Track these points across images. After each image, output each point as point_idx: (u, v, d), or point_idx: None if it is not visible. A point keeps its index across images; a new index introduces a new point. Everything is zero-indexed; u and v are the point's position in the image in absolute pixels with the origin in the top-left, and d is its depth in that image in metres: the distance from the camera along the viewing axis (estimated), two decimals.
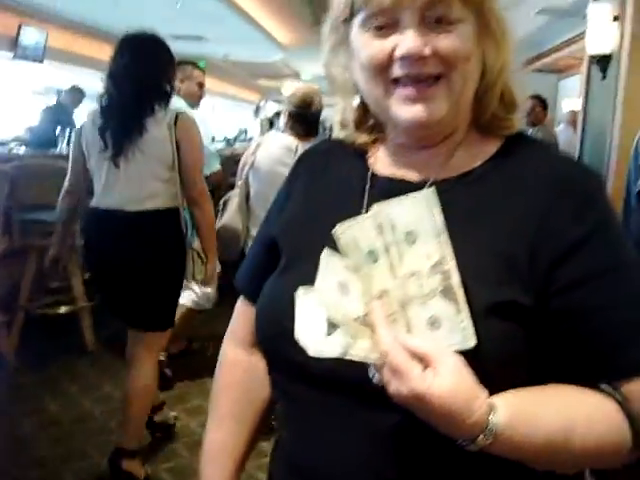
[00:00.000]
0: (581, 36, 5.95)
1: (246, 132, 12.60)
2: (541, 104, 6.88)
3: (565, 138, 7.01)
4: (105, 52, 3.46)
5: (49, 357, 4.30)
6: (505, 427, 0.75)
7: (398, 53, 0.86)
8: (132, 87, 2.74)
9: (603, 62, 3.70)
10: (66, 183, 3.07)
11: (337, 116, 1.07)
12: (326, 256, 0.82)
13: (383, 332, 0.75)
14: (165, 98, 2.84)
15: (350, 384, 0.84)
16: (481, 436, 0.74)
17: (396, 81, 0.88)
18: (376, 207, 0.80)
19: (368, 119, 1.05)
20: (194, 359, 4.37)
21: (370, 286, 0.78)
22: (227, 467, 1.11)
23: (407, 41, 0.84)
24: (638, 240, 2.73)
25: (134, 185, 2.78)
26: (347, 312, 0.78)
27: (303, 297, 0.83)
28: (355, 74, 0.95)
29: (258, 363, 1.07)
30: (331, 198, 1.01)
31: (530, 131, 6.52)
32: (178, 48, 3.82)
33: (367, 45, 0.89)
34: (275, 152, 3.35)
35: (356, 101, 1.03)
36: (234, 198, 3.55)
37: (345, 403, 0.87)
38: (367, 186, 0.98)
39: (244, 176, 3.53)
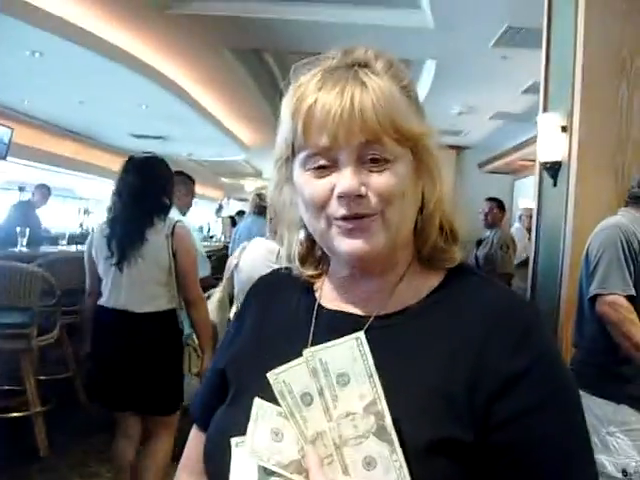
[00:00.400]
0: (533, 139, 6.19)
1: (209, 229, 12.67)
2: (498, 206, 7.07)
3: (520, 237, 7.15)
4: (70, 149, 3.51)
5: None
6: None
7: (336, 192, 0.88)
8: (135, 203, 3.08)
9: (553, 169, 3.83)
10: (87, 286, 3.35)
11: (283, 250, 1.08)
12: (257, 405, 0.82)
13: (317, 476, 0.75)
14: (164, 211, 3.17)
15: None
16: None
17: (338, 218, 0.90)
18: (308, 352, 0.81)
19: (314, 252, 1.07)
20: None
21: (305, 429, 0.79)
22: None
23: (344, 181, 0.87)
24: (591, 347, 2.77)
25: (136, 288, 3.09)
26: (281, 458, 0.78)
27: (236, 449, 0.83)
28: (300, 209, 0.97)
29: None
30: (279, 331, 1.02)
31: (487, 233, 6.66)
32: (141, 146, 3.87)
33: (308, 184, 0.91)
34: (258, 255, 3.48)
35: (301, 235, 1.05)
36: (216, 294, 3.71)
37: None
38: (313, 319, 0.99)
39: (229, 274, 3.67)
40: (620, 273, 2.63)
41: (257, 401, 0.82)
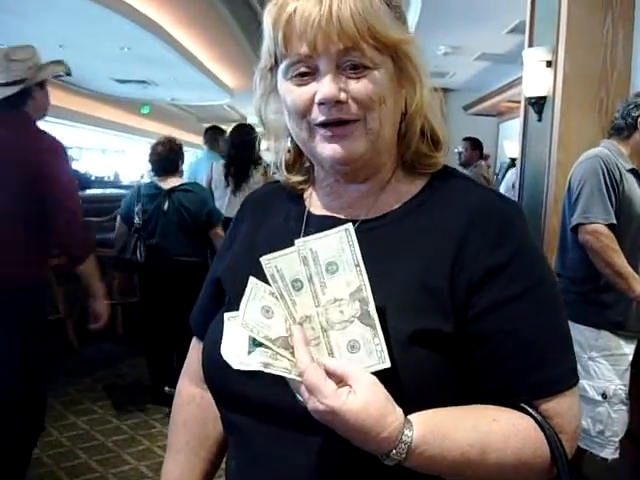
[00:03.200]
0: (518, 81, 6.18)
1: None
2: (472, 145, 7.08)
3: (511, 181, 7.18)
4: (52, 95, 3.46)
5: None
6: (419, 442, 0.79)
7: (317, 99, 0.91)
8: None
9: (538, 104, 3.85)
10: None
11: (272, 158, 1.12)
12: (252, 283, 0.86)
13: (301, 352, 0.79)
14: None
15: (284, 409, 0.87)
16: (394, 450, 0.78)
17: (319, 124, 0.93)
18: (300, 241, 0.86)
19: (302, 161, 1.10)
20: None
21: (294, 312, 0.84)
22: None
23: (324, 88, 0.89)
24: (573, 276, 2.84)
25: None
26: (269, 333, 0.82)
27: (228, 322, 0.87)
28: (285, 118, 1.00)
29: (212, 398, 1.09)
30: (271, 238, 1.05)
31: (464, 172, 6.67)
32: (124, 92, 3.84)
33: (290, 92, 0.94)
34: None
35: (288, 143, 1.08)
36: None
37: (282, 429, 0.90)
38: (303, 225, 1.04)
39: None
40: (601, 202, 2.69)
41: (252, 279, 0.86)
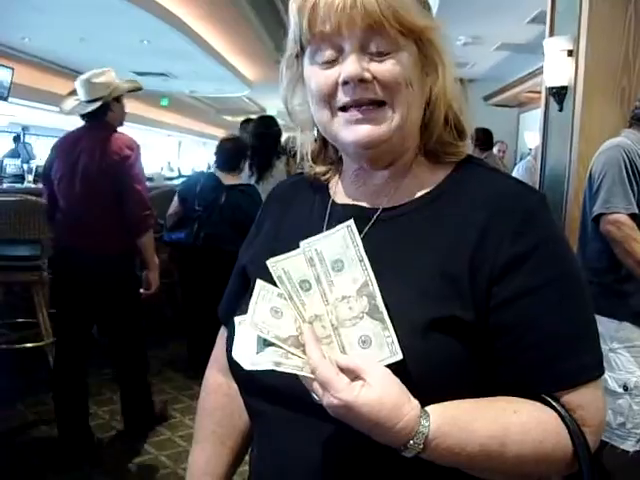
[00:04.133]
0: (539, 71, 6.13)
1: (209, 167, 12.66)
2: (483, 135, 7.04)
3: (527, 169, 7.12)
4: (71, 89, 3.48)
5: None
6: (437, 433, 0.79)
7: (340, 79, 0.91)
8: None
9: (560, 94, 3.81)
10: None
11: (298, 148, 1.12)
12: (259, 285, 0.87)
13: (312, 349, 0.79)
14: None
15: (302, 397, 0.86)
16: (412, 441, 0.78)
17: (343, 109, 0.93)
18: (305, 243, 0.86)
19: (327, 151, 1.10)
20: None
21: (303, 311, 0.84)
22: None
23: (347, 67, 0.90)
24: (594, 266, 2.82)
25: None
26: (279, 333, 0.83)
27: (238, 326, 0.88)
28: (311, 106, 0.99)
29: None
30: (295, 229, 1.05)
31: None
32: (143, 84, 3.87)
33: (315, 75, 0.94)
34: None
35: (315, 133, 1.08)
36: None
37: (301, 416, 0.91)
38: (327, 215, 1.05)
39: None
40: (623, 192, 2.66)
41: (259, 282, 0.87)
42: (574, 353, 0.89)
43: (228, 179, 4.46)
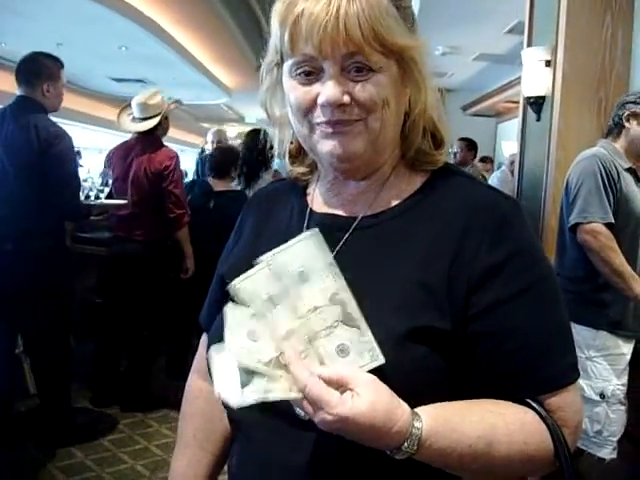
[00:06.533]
0: (517, 81, 6.18)
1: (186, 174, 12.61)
2: (467, 146, 7.09)
3: (501, 179, 7.16)
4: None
5: None
6: (429, 433, 0.80)
7: (319, 101, 0.91)
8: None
9: (537, 104, 3.84)
10: None
11: (275, 147, 1.12)
12: (230, 309, 0.85)
13: (297, 368, 0.78)
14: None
15: (283, 404, 0.85)
16: (406, 443, 0.78)
17: (319, 123, 0.94)
18: (267, 256, 0.84)
19: (305, 152, 1.10)
20: None
21: (277, 329, 0.82)
22: None
23: (327, 90, 0.90)
24: (571, 275, 2.84)
25: None
26: (260, 357, 0.80)
27: (216, 356, 0.85)
28: (289, 111, 1.00)
29: None
30: (274, 237, 1.04)
31: None
32: (121, 91, 3.88)
33: (294, 90, 0.94)
34: None
35: (291, 133, 1.07)
36: None
37: (281, 424, 0.90)
38: (305, 223, 1.04)
39: None
40: (599, 202, 2.68)
41: (228, 308, 0.85)
42: (553, 357, 0.90)
43: (218, 185, 4.69)
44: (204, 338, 1.19)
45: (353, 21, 0.86)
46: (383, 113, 0.92)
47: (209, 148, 6.45)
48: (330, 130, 0.93)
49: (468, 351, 0.90)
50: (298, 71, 0.93)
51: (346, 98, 0.90)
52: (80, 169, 5.94)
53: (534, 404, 0.89)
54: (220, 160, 4.80)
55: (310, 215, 1.06)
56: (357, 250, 0.95)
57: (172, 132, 4.62)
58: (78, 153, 11.56)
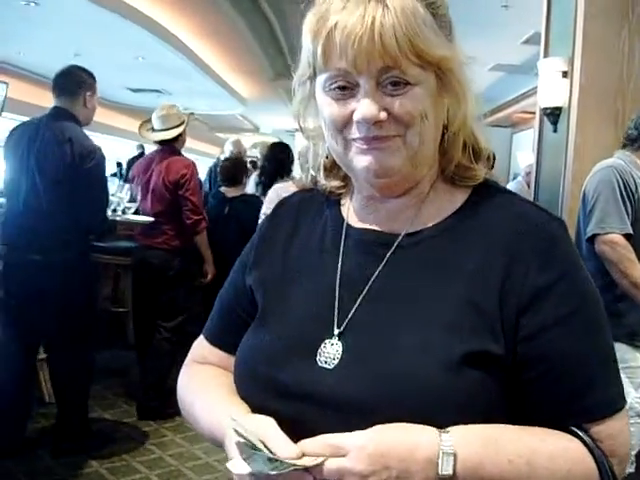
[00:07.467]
0: (532, 92, 6.16)
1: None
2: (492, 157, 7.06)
3: (518, 190, 7.13)
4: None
5: None
6: (467, 456, 0.79)
7: (355, 117, 0.88)
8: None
9: (554, 115, 3.82)
10: None
11: (310, 161, 1.08)
12: (238, 443, 0.83)
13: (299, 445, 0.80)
14: None
15: (314, 396, 0.85)
16: (439, 461, 0.78)
17: (354, 139, 0.91)
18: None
19: (339, 166, 1.04)
20: None
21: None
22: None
23: (363, 108, 0.87)
24: None
25: None
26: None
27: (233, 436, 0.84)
28: (322, 125, 0.97)
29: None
30: (308, 252, 1.03)
31: None
32: (137, 100, 3.91)
33: (328, 105, 0.91)
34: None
35: (326, 148, 1.04)
36: None
37: (310, 415, 0.87)
38: (342, 239, 1.01)
39: None
40: (617, 212, 2.67)
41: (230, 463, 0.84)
42: (601, 384, 0.88)
43: (231, 192, 5.07)
44: (201, 339, 1.15)
45: (389, 33, 0.83)
46: (422, 127, 0.89)
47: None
48: (366, 146, 0.89)
49: (518, 376, 0.87)
50: (332, 86, 0.89)
51: (383, 115, 0.87)
52: (117, 181, 6.17)
53: (580, 433, 0.86)
54: (232, 169, 5.19)
55: (347, 230, 1.02)
56: (402, 268, 0.93)
57: (188, 142, 4.71)
58: (119, 165, 11.67)
